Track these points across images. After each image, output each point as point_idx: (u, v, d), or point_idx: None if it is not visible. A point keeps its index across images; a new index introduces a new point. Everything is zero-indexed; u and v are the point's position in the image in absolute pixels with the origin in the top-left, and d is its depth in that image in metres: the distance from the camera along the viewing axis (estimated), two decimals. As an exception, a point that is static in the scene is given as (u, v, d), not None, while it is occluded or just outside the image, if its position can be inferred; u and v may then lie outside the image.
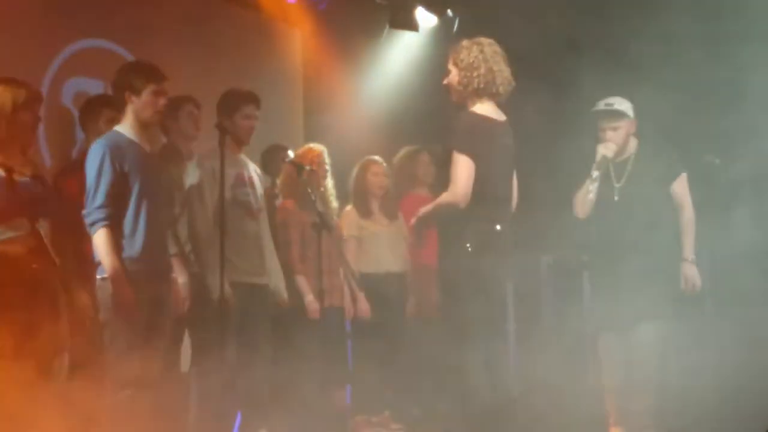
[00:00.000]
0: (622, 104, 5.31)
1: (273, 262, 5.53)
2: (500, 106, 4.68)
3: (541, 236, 6.35)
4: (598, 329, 5.26)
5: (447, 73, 4.69)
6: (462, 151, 4.48)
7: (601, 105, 5.33)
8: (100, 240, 4.42)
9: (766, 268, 5.51)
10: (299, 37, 7.91)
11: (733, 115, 5.97)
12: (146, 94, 4.58)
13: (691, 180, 5.36)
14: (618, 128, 5.26)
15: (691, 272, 5.21)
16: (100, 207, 4.42)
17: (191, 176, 5.28)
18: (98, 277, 4.46)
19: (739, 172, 5.95)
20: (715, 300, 5.81)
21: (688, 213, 5.27)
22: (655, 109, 5.36)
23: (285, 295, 5.58)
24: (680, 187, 5.30)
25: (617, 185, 5.28)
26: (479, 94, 4.60)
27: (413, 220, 4.74)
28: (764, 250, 5.70)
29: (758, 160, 5.78)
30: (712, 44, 6.18)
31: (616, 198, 5.26)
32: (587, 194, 5.24)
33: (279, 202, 6.05)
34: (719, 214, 5.96)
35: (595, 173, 5.22)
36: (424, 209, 4.71)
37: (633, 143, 5.33)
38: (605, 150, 5.24)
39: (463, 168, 4.48)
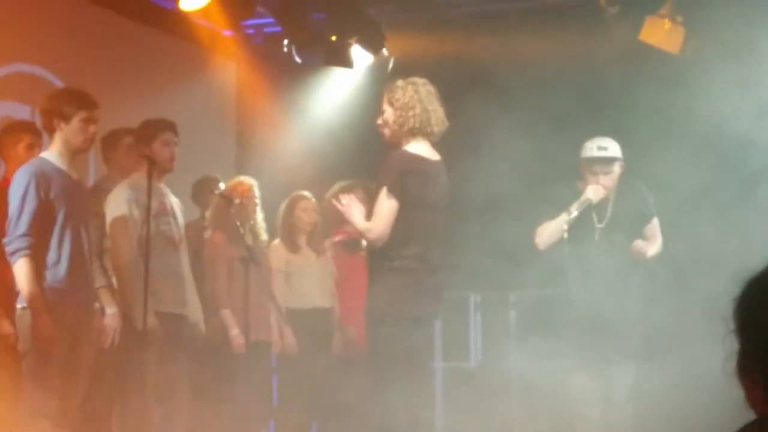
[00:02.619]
0: (614, 147, 5.22)
1: (192, 294, 5.46)
2: (434, 145, 4.72)
3: (470, 274, 6.35)
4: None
5: (381, 112, 4.72)
6: (391, 190, 4.50)
7: (593, 149, 5.21)
8: (20, 269, 4.34)
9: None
10: (234, 70, 7.90)
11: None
12: (76, 122, 4.50)
13: None
14: (611, 172, 5.22)
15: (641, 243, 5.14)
16: (22, 235, 4.35)
17: (112, 206, 5.16)
18: (18, 306, 4.39)
19: None
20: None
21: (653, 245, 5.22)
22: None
23: (203, 327, 5.49)
24: (650, 232, 5.26)
25: (599, 226, 5.23)
26: (414, 133, 4.62)
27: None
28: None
29: None
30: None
31: (596, 238, 5.21)
32: (560, 227, 5.16)
33: (208, 234, 5.99)
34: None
35: (574, 212, 5.13)
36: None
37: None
38: (593, 194, 5.16)
39: (386, 208, 4.50)
